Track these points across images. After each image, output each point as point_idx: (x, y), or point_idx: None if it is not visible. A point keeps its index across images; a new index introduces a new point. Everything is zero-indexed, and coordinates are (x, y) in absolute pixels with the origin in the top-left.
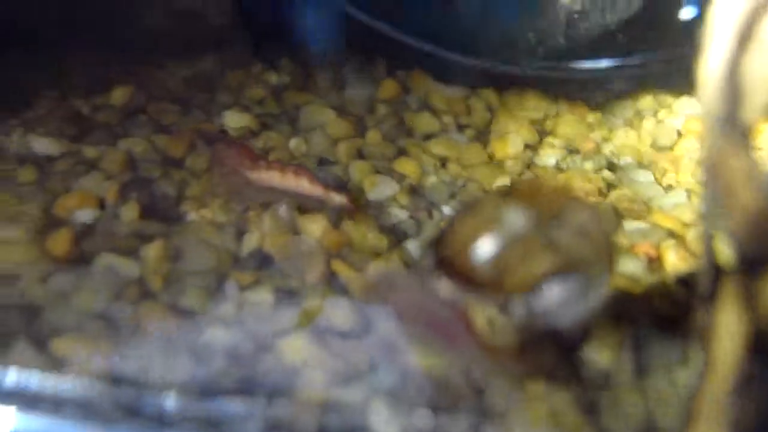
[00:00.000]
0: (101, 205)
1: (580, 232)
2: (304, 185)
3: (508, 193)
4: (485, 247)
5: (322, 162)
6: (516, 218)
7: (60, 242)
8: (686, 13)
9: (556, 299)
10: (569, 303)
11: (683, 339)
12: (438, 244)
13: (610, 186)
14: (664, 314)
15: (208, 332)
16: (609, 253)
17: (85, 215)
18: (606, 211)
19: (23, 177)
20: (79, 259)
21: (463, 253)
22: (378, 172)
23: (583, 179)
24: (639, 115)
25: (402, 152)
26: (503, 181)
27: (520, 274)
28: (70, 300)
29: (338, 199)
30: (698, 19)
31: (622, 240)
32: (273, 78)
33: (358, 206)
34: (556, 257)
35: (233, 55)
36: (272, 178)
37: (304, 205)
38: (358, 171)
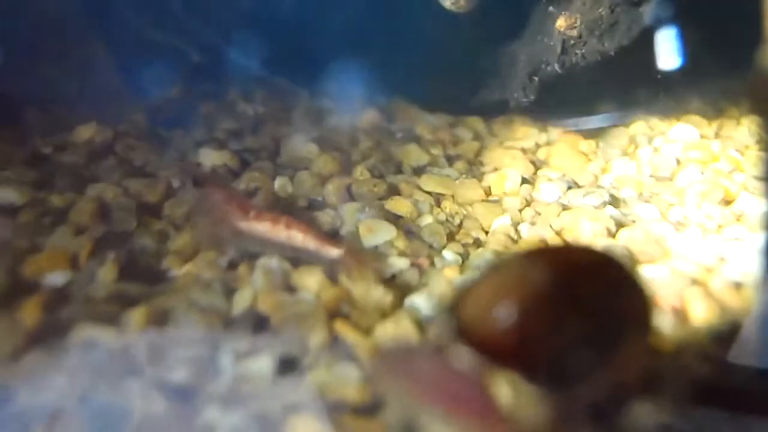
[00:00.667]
0: (74, 264)
1: (611, 293)
2: (297, 237)
3: (532, 255)
4: (511, 313)
5: (312, 205)
6: (542, 281)
7: (31, 311)
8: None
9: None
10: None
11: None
12: (457, 309)
13: (618, 224)
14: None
15: (206, 413)
16: (644, 311)
17: (57, 278)
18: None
19: None
20: (53, 330)
21: (486, 319)
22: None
23: (590, 218)
24: (633, 142)
25: (393, 190)
26: (503, 219)
27: (548, 342)
28: (45, 382)
29: (334, 252)
30: None
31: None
32: (248, 109)
33: (357, 258)
34: (585, 321)
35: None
36: (263, 228)
37: (297, 258)
38: (350, 214)
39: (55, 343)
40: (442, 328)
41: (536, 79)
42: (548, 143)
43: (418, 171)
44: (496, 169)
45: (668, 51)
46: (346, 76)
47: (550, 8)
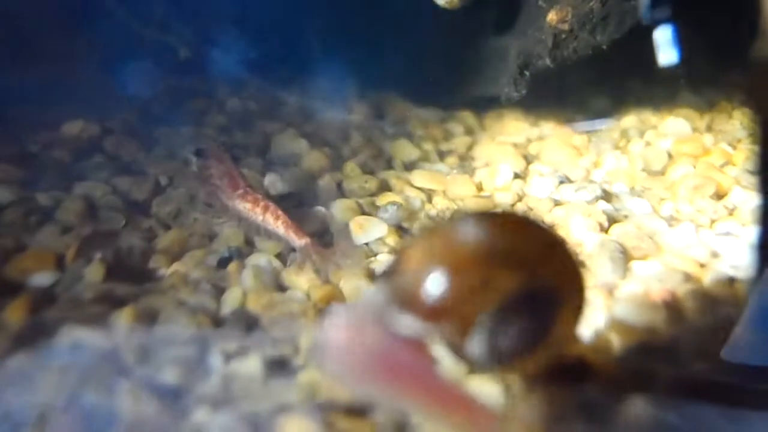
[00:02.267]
0: (60, 264)
1: (543, 258)
2: (269, 221)
3: (464, 218)
4: (440, 277)
5: (303, 201)
6: (472, 244)
7: (16, 313)
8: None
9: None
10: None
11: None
12: (392, 274)
13: (611, 219)
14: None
15: (195, 415)
16: (578, 277)
17: (43, 278)
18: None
19: None
20: (39, 331)
21: (414, 284)
22: (363, 211)
23: (583, 213)
24: (625, 136)
25: (384, 186)
26: None
27: (475, 304)
28: (32, 385)
29: (299, 241)
30: None
31: (636, 285)
32: (237, 104)
33: (319, 252)
34: (516, 286)
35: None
36: (244, 207)
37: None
38: (341, 211)
39: (42, 345)
40: (377, 295)
41: (527, 73)
42: (540, 138)
43: (409, 166)
44: (487, 164)
45: (659, 44)
46: (335, 71)
47: (540, 2)
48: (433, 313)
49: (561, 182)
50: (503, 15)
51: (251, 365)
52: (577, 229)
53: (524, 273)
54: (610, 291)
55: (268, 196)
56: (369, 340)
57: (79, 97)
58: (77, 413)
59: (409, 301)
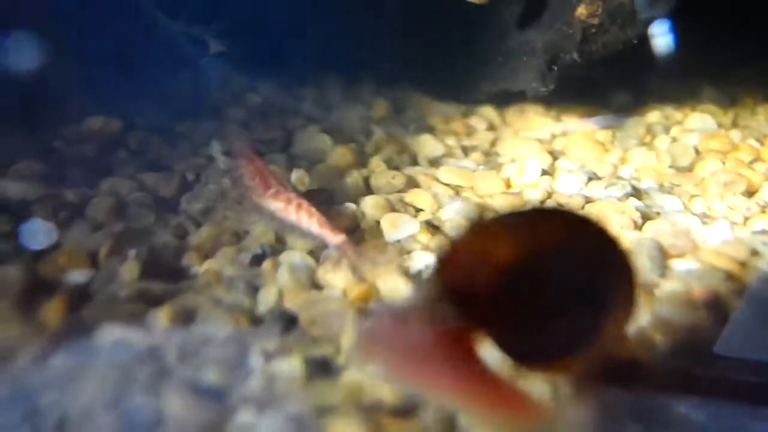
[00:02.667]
0: (94, 262)
1: (596, 260)
2: (303, 220)
3: (517, 215)
4: (485, 275)
5: (331, 197)
6: (523, 243)
7: (54, 312)
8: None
9: None
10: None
11: None
12: (440, 270)
13: (644, 217)
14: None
15: (241, 416)
16: (630, 276)
17: (78, 276)
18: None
19: None
20: (79, 330)
21: (464, 282)
22: (393, 208)
23: (615, 210)
24: (650, 132)
25: (412, 182)
26: None
27: (525, 309)
28: (75, 387)
29: (335, 238)
30: None
31: (677, 284)
32: (256, 99)
33: (354, 249)
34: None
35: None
36: (277, 206)
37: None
38: (371, 208)
39: (82, 344)
40: (424, 290)
41: (555, 68)
42: (564, 133)
43: (434, 162)
44: (513, 160)
45: (680, 40)
46: (353, 66)
47: None
48: (481, 309)
49: (590, 179)
50: (528, 9)
51: (292, 365)
52: (612, 227)
53: (576, 271)
54: (650, 290)
55: (299, 194)
56: (413, 336)
57: (99, 92)
58: (119, 415)
59: (456, 297)
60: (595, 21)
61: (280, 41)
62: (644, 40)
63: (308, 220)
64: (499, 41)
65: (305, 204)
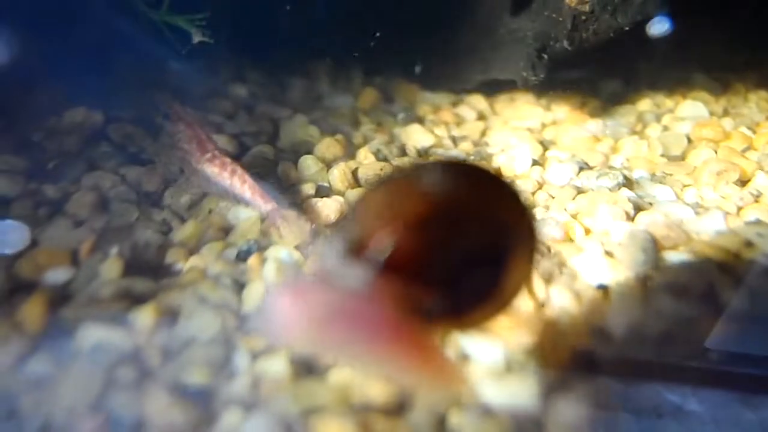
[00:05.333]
0: (74, 260)
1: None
2: (236, 186)
3: (418, 168)
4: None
5: (320, 191)
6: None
7: (33, 312)
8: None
9: None
10: None
11: None
12: (345, 228)
13: (636, 207)
14: None
15: (226, 417)
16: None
17: (58, 275)
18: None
19: None
20: (59, 331)
21: (369, 237)
22: None
23: (608, 200)
24: (641, 120)
25: None
26: None
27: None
28: (54, 391)
29: (265, 206)
30: None
31: (671, 276)
32: (241, 90)
33: (284, 217)
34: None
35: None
36: (212, 171)
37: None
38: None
39: (62, 345)
40: (330, 247)
41: (545, 56)
42: (554, 122)
43: (423, 153)
44: (503, 150)
45: (670, 25)
46: (340, 55)
47: None
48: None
49: (581, 168)
50: None
51: (279, 365)
52: (603, 218)
53: (479, 224)
54: (644, 282)
55: (235, 160)
56: (320, 297)
57: (80, 84)
58: (104, 417)
59: (361, 252)
60: (585, 8)
61: (266, 30)
62: (634, 27)
63: (241, 186)
64: (489, 29)
65: (239, 170)
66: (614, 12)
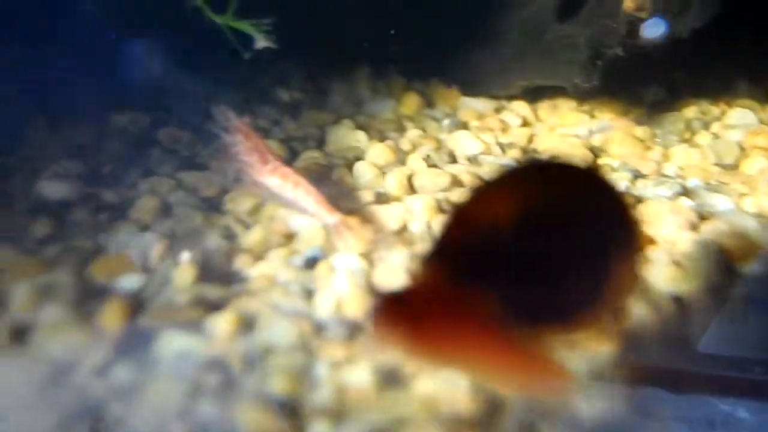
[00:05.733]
0: (144, 266)
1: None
2: (300, 197)
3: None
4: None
5: (380, 198)
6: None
7: (112, 319)
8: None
9: None
10: None
11: None
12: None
13: (700, 217)
14: None
15: (315, 428)
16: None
17: (130, 281)
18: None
19: (39, 231)
20: (138, 338)
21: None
22: (442, 209)
23: (670, 210)
24: (689, 128)
25: (456, 181)
26: None
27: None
28: (141, 399)
29: (330, 217)
30: None
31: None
32: (284, 95)
33: (351, 228)
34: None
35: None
36: (274, 182)
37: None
38: (422, 210)
39: (144, 353)
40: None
41: (599, 63)
42: (601, 129)
43: (473, 160)
44: (554, 158)
45: (710, 33)
46: (380, 59)
47: None
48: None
49: (635, 177)
50: (567, 2)
51: (361, 375)
52: (668, 228)
53: (583, 225)
54: (718, 293)
55: (294, 168)
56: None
57: (128, 87)
58: (193, 427)
59: (461, 263)
60: (643, 15)
61: (306, 34)
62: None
63: (305, 197)
64: (534, 34)
65: (302, 181)
66: (674, 19)
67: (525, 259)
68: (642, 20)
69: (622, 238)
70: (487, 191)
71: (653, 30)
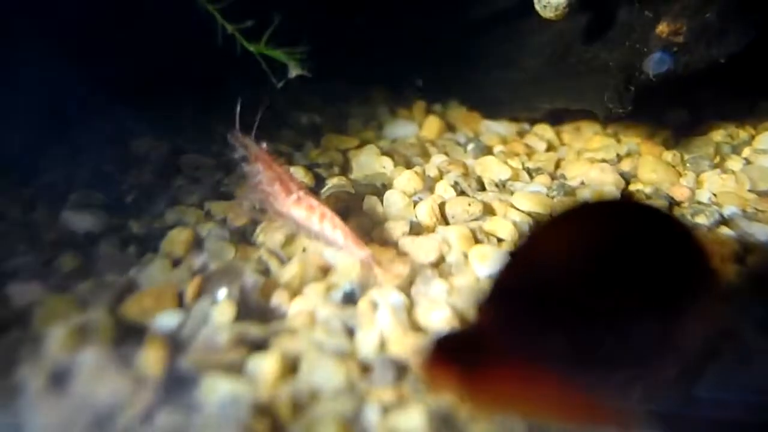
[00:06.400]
0: (180, 302)
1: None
2: (328, 230)
3: (581, 209)
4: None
5: (413, 229)
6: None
7: (152, 360)
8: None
9: None
10: None
11: None
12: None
13: (746, 249)
14: None
15: None
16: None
17: (168, 319)
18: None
19: (67, 265)
20: (180, 381)
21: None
22: (477, 239)
23: (715, 241)
24: (719, 153)
25: (488, 209)
26: None
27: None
28: None
29: (360, 252)
30: None
31: None
32: (303, 118)
33: (380, 263)
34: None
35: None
36: (299, 214)
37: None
38: (457, 239)
39: (188, 397)
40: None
41: (632, 88)
42: (629, 154)
43: (502, 187)
44: (583, 184)
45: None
46: (399, 82)
47: (647, 12)
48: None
49: (670, 204)
50: (592, 23)
51: (413, 419)
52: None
53: (655, 268)
54: None
55: (321, 201)
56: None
57: (146, 115)
58: None
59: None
60: (679, 39)
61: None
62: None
63: (332, 230)
64: (556, 57)
65: (329, 213)
66: (709, 44)
67: (585, 310)
68: (677, 44)
69: (696, 286)
70: (550, 232)
71: (658, 66)
